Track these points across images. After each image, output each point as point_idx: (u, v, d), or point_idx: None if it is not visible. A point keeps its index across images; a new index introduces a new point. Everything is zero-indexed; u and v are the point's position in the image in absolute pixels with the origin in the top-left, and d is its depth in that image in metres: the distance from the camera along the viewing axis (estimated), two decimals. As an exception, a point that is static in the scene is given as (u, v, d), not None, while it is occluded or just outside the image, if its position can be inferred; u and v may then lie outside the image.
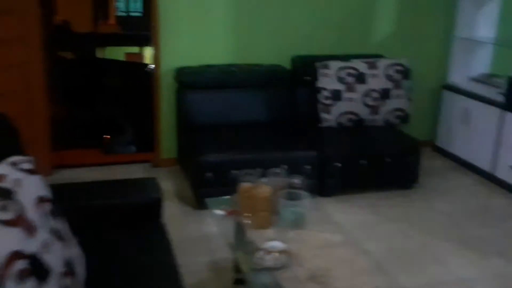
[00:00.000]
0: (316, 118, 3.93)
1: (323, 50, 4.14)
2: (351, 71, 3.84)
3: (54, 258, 1.40)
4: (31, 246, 1.33)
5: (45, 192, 1.54)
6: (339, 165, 3.57)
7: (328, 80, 3.85)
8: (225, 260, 2.71)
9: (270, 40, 4.07)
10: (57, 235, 1.49)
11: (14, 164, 1.49)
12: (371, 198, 3.67)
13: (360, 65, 3.86)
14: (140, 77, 4.79)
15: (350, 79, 3.83)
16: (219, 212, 2.38)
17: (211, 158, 3.31)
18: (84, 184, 2.61)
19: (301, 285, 1.89)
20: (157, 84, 3.93)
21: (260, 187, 2.29)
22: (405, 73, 3.92)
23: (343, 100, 3.84)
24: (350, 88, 3.84)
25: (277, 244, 2.02)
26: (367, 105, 3.86)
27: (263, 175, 2.48)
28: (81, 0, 6.24)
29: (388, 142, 3.79)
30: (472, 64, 4.50)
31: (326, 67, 3.85)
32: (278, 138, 3.68)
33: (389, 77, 3.88)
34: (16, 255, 1.27)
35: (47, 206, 1.52)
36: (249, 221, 2.26)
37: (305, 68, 3.98)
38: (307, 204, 2.30)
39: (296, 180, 2.44)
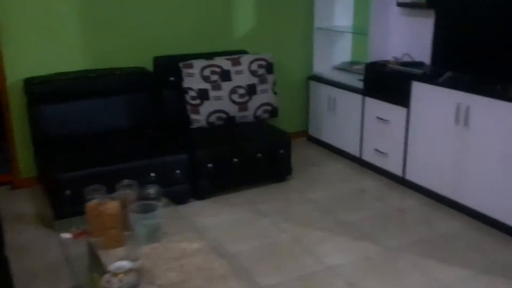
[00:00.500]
0: (186, 120, 3.81)
1: (187, 49, 4.03)
2: (215, 69, 3.77)
3: None
4: None
5: None
6: (211, 165, 3.49)
7: (193, 79, 3.74)
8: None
9: (130, 42, 3.87)
10: None
11: None
12: (246, 195, 3.64)
13: (224, 63, 3.81)
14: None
15: (215, 77, 3.76)
16: (65, 235, 2.17)
17: (68, 174, 3.04)
18: None
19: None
20: (6, 99, 3.55)
21: (108, 203, 2.12)
22: (269, 67, 3.94)
23: (211, 99, 3.76)
24: (216, 87, 3.77)
25: (124, 264, 1.87)
26: (235, 102, 3.82)
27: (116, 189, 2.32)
28: None
29: (259, 138, 3.78)
30: (335, 53, 4.66)
31: (189, 66, 3.75)
32: (145, 145, 3.50)
33: (253, 73, 3.86)
34: None
35: None
36: (99, 241, 2.09)
37: (169, 69, 3.84)
38: (161, 214, 2.18)
39: (151, 190, 2.32)
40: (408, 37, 3.90)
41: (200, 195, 3.54)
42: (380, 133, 3.83)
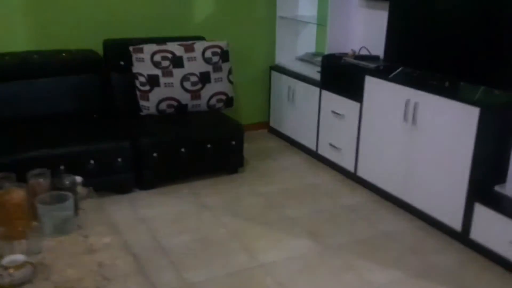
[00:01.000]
0: (136, 106, 3.68)
1: (140, 33, 3.89)
2: (167, 54, 3.63)
3: None
4: None
5: None
6: (155, 155, 3.37)
7: (143, 65, 3.60)
8: None
9: (80, 23, 3.72)
10: None
11: None
12: (193, 187, 3.53)
13: (176, 48, 3.67)
14: None
15: (166, 63, 3.63)
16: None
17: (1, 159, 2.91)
18: None
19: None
20: None
21: (13, 192, 2.00)
22: (224, 55, 3.80)
23: (161, 86, 3.63)
24: (167, 73, 3.63)
25: (18, 258, 1.76)
26: (187, 90, 3.69)
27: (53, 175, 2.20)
28: None
29: (210, 128, 3.65)
30: (299, 44, 4.54)
31: (140, 51, 3.60)
32: (86, 130, 3.36)
33: (207, 60, 3.73)
34: None
35: None
36: (2, 232, 1.97)
37: (119, 53, 3.70)
38: (72, 206, 2.07)
39: (66, 180, 2.20)
40: (367, 30, 3.79)
41: (144, 185, 3.43)
42: (335, 128, 3.73)
